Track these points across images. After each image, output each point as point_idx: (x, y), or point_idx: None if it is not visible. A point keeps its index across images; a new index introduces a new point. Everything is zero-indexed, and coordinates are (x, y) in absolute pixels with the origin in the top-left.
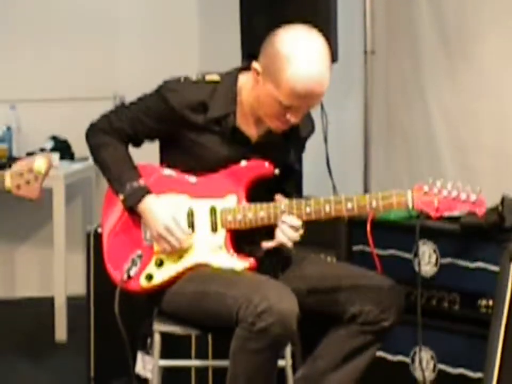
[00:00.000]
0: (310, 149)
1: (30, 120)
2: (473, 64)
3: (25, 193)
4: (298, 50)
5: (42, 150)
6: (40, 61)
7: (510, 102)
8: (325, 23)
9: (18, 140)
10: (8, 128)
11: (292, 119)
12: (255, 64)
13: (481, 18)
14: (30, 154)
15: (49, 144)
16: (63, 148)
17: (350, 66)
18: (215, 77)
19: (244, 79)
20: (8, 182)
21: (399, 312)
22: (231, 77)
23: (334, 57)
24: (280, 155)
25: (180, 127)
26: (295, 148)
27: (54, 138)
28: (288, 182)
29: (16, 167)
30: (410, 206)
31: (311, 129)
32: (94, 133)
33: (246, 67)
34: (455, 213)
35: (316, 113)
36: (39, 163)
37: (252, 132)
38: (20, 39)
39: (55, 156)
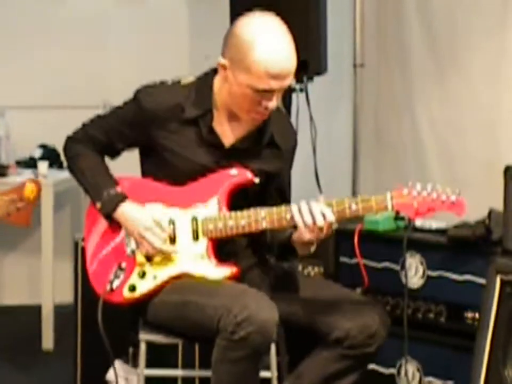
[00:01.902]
0: (298, 160)
1: (19, 128)
2: (463, 76)
3: (16, 221)
4: (260, 32)
5: (31, 158)
6: (30, 68)
7: (498, 114)
8: (314, 35)
9: (7, 148)
10: None
11: (269, 104)
12: (220, 60)
13: (470, 30)
14: (18, 162)
15: (38, 152)
16: (52, 156)
17: (340, 79)
18: (190, 79)
19: (217, 80)
20: None
21: (384, 338)
22: (206, 78)
23: (323, 70)
24: (255, 162)
25: (155, 131)
26: (275, 159)
27: (43, 146)
28: (272, 196)
29: (6, 194)
30: (389, 208)
31: (293, 143)
32: (71, 144)
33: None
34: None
35: (305, 125)
36: (29, 190)
37: (226, 135)
38: (9, 46)
39: (44, 164)
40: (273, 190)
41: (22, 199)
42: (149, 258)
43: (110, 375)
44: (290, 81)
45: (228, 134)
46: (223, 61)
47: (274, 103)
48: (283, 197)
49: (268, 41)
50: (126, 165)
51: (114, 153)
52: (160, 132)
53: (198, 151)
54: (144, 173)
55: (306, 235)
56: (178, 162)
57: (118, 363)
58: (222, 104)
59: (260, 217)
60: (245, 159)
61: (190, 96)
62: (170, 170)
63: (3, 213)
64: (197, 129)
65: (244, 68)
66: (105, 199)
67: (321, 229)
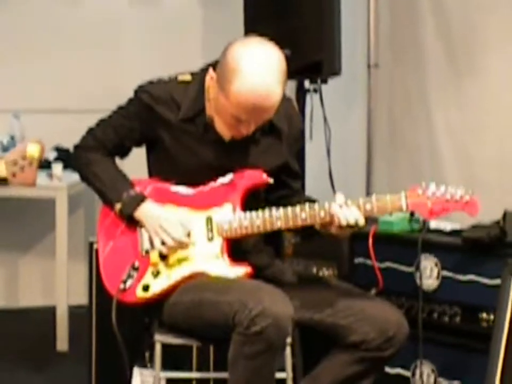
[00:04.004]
0: (312, 161)
1: (34, 130)
2: (478, 77)
3: (22, 180)
4: (247, 63)
5: (46, 160)
6: (44, 71)
7: None
8: (329, 36)
9: None
10: (12, 137)
11: (243, 130)
12: (211, 72)
13: (487, 31)
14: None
15: (52, 155)
16: (66, 158)
17: (354, 80)
18: (187, 77)
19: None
20: (3, 171)
21: (402, 342)
22: (200, 76)
23: (337, 71)
24: (259, 155)
25: (157, 127)
26: (279, 146)
27: (58, 148)
28: (292, 184)
29: (10, 156)
30: (404, 208)
31: (299, 127)
32: (80, 152)
33: (214, 64)
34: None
35: (319, 126)
36: (32, 149)
37: (223, 130)
38: (24, 49)
39: (59, 166)
40: (284, 178)
41: (25, 158)
42: (163, 258)
43: (136, 382)
44: (268, 116)
45: (224, 129)
46: (213, 74)
47: (249, 131)
48: (297, 181)
49: (249, 77)
50: (132, 167)
51: (124, 152)
52: (161, 128)
53: (199, 147)
54: (151, 172)
55: (335, 231)
56: (182, 159)
57: (136, 369)
58: (212, 103)
59: (275, 217)
60: (248, 152)
61: (186, 95)
62: (175, 167)
63: (8, 173)
64: (195, 127)
65: (224, 92)
66: (125, 200)
67: (351, 227)
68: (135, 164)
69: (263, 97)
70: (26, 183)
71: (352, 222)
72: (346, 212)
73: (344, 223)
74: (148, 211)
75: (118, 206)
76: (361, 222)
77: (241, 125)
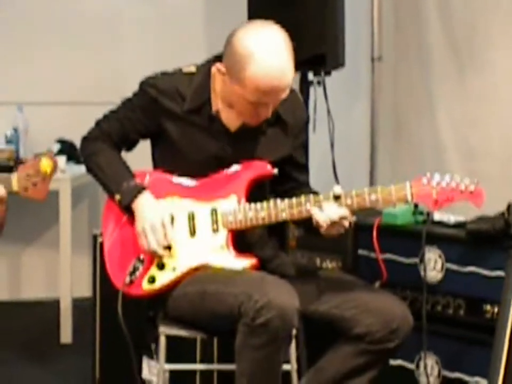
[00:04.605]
0: (316, 154)
1: (37, 122)
2: (482, 71)
3: (33, 195)
4: (256, 47)
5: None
6: (48, 64)
7: None
8: (332, 28)
9: (25, 142)
10: (15, 130)
11: (263, 114)
12: (218, 65)
13: (491, 25)
14: (38, 155)
15: (56, 147)
16: (69, 151)
17: (357, 73)
18: (192, 69)
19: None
20: (16, 185)
21: (406, 334)
22: (205, 67)
23: (341, 63)
24: (265, 146)
25: (162, 119)
26: (285, 137)
27: (61, 141)
28: (298, 177)
29: (23, 169)
30: (409, 198)
31: (304, 118)
32: (87, 143)
33: (220, 56)
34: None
35: (322, 118)
36: (45, 164)
37: (232, 119)
38: (28, 42)
39: (62, 159)
40: (290, 170)
41: (38, 174)
42: (168, 250)
43: (145, 373)
44: (284, 95)
45: (233, 118)
46: (220, 67)
47: (267, 113)
48: (303, 174)
49: (262, 60)
50: (137, 159)
51: (130, 145)
52: (167, 120)
53: (205, 138)
54: (156, 165)
55: (323, 232)
56: (187, 150)
57: (145, 360)
58: (221, 95)
59: (280, 209)
60: (254, 143)
61: (191, 86)
62: (180, 159)
63: (20, 187)
64: (200, 118)
65: (237, 80)
66: (124, 190)
67: (335, 223)
68: (140, 157)
69: (279, 77)
70: (37, 198)
71: (335, 218)
72: (327, 210)
73: (324, 224)
74: (141, 206)
75: (117, 196)
76: (344, 213)
77: (260, 109)
